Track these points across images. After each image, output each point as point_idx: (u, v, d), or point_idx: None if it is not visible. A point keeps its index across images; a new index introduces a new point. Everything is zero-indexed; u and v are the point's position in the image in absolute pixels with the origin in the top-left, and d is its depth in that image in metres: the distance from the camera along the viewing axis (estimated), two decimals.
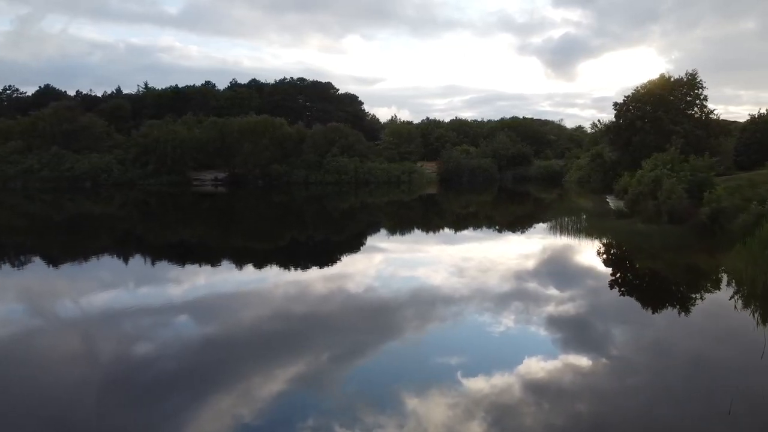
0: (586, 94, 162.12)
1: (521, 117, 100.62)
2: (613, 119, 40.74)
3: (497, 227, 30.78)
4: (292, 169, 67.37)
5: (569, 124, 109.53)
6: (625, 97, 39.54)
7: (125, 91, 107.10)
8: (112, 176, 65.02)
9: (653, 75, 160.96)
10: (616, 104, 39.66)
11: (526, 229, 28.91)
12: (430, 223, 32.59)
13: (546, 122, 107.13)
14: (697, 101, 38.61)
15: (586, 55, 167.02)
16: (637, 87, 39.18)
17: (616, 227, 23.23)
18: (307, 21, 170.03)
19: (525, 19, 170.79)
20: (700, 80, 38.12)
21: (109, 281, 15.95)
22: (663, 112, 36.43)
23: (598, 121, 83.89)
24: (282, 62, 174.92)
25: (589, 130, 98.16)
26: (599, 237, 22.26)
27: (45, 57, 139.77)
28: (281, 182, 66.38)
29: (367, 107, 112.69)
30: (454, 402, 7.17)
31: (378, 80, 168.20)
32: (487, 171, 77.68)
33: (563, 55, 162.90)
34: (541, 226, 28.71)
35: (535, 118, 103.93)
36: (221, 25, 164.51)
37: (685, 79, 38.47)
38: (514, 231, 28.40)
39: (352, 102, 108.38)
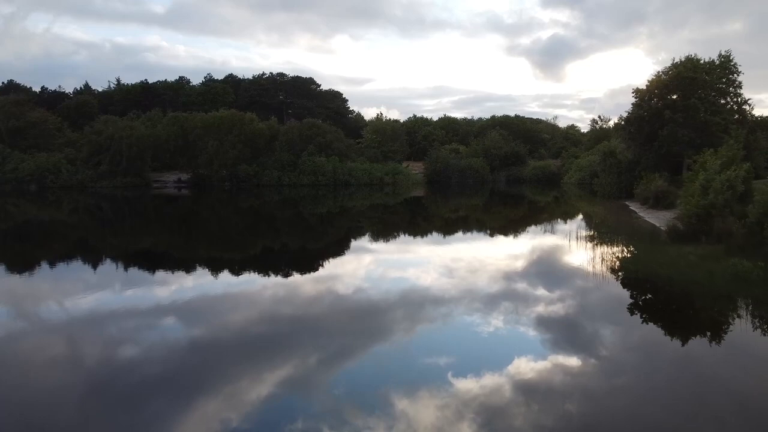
0: (574, 95, 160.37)
1: (513, 115, 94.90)
2: (627, 110, 34.21)
3: (503, 255, 23.95)
4: (262, 169, 60.60)
5: (560, 123, 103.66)
6: (647, 81, 33.51)
7: (99, 89, 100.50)
8: (60, 178, 58.01)
9: (641, 76, 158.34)
10: (637, 91, 33.23)
11: (551, 264, 17.79)
12: (417, 235, 27.58)
13: (539, 121, 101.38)
14: (731, 89, 32.38)
15: (574, 56, 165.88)
16: (658, 72, 32.94)
17: (699, 265, 14.20)
18: (295, 20, 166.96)
19: (513, 19, 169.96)
20: (735, 63, 32.01)
21: (71, 293, 14.47)
22: (697, 99, 30.38)
23: (599, 117, 78.66)
24: (270, 62, 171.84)
25: (583, 129, 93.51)
26: (680, 289, 13.19)
27: (29, 56, 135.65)
28: (250, 184, 59.75)
29: (356, 108, 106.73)
30: (444, 403, 7.05)
31: (367, 81, 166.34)
32: (479, 172, 71.47)
33: (551, 56, 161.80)
34: (568, 258, 17.81)
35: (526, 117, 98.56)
36: (208, 24, 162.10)
37: (717, 62, 32.31)
38: (530, 258, 18.41)
39: (334, 98, 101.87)
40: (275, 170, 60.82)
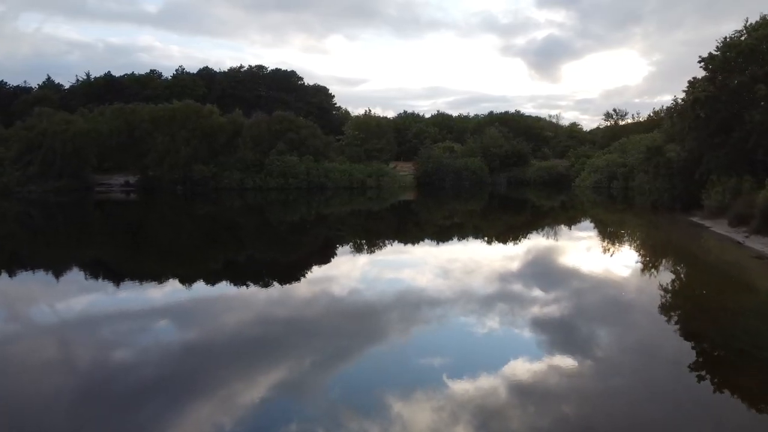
0: (569, 96, 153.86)
1: (516, 109, 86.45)
2: (683, 89, 24.55)
3: None
4: (222, 170, 51.38)
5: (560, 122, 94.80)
6: (718, 44, 23.29)
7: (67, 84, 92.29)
8: None
9: (635, 77, 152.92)
10: (710, 59, 23.29)
11: None
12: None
13: (539, 118, 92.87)
14: None
15: (570, 57, 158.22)
16: (725, 38, 22.88)
17: None
18: (289, 20, 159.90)
19: (509, 20, 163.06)
20: None
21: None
22: None
23: (614, 110, 69.69)
24: (264, 62, 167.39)
25: (585, 128, 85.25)
26: None
27: (21, 56, 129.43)
28: (207, 188, 51.03)
29: (351, 109, 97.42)
30: (440, 405, 6.88)
31: (362, 81, 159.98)
32: (476, 173, 62.82)
33: (547, 57, 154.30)
34: None
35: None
36: (202, 24, 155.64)
37: None
38: None
39: (317, 93, 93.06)
40: (237, 171, 51.64)
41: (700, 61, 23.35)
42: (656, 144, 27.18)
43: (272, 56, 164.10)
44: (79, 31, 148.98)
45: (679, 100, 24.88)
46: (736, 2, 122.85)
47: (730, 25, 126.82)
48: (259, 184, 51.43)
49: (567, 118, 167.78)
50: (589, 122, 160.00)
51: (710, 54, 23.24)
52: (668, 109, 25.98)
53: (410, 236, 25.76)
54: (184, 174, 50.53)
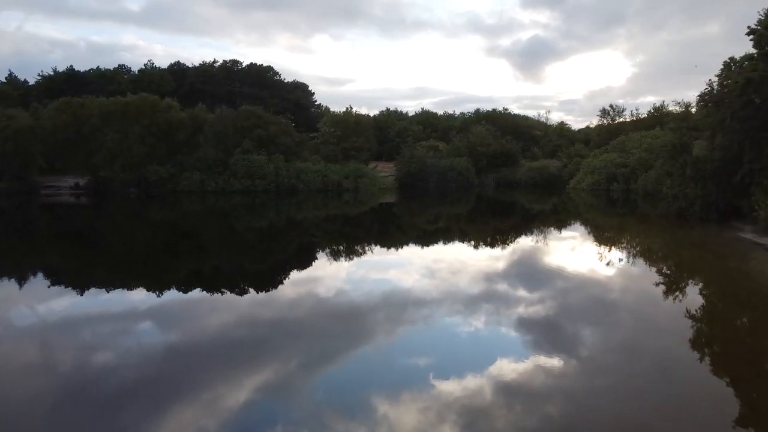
0: (553, 97, 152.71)
1: (501, 109, 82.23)
2: (715, 74, 20.47)
3: None
4: (180, 171, 46.25)
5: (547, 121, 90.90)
6: (761, 15, 18.42)
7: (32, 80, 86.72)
8: None
9: (619, 78, 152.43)
10: (764, 28, 18.23)
11: None
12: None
13: (527, 117, 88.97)
14: None
15: (554, 58, 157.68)
16: None
17: None
18: (275, 20, 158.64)
19: (494, 20, 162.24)
20: None
21: None
22: None
23: (611, 107, 65.50)
24: (250, 61, 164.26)
25: (575, 127, 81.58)
26: None
27: (2, 55, 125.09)
28: (164, 190, 46.08)
29: (335, 108, 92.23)
30: (426, 406, 6.79)
31: (347, 81, 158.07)
32: (462, 174, 58.37)
33: (531, 58, 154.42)
34: None
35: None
36: (186, 23, 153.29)
37: None
38: None
39: (295, 89, 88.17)
40: (197, 172, 46.44)
41: (749, 33, 18.73)
42: (683, 140, 22.40)
43: (257, 55, 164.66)
44: (60, 30, 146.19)
45: (715, 86, 20.37)
46: (719, 4, 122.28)
47: (714, 27, 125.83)
48: (222, 186, 46.36)
49: (552, 119, 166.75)
50: (574, 123, 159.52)
51: (764, 22, 18.63)
52: (701, 96, 21.27)
53: (392, 242, 23.81)
54: (138, 175, 45.40)
